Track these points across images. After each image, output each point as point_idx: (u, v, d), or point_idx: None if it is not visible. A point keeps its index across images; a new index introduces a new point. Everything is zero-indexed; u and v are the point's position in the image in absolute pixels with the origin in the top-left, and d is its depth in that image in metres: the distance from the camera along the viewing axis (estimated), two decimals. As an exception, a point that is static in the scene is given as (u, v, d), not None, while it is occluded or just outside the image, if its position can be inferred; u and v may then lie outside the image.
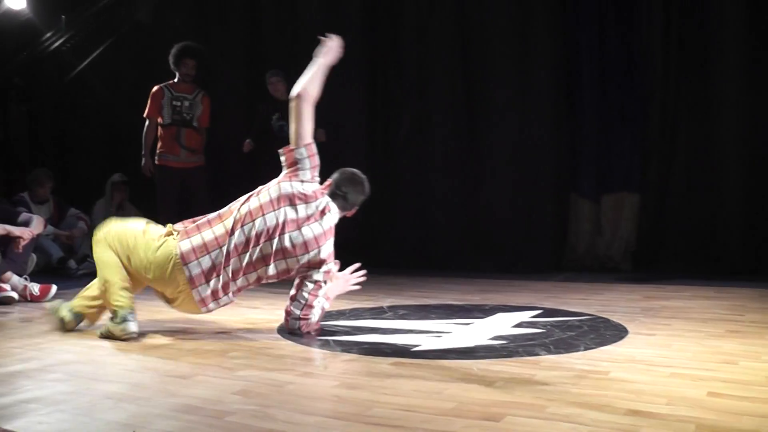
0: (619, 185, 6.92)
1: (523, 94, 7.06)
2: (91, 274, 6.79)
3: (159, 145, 7.10)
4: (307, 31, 7.90)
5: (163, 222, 7.20)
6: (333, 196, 3.99)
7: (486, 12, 7.18)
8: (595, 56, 6.98)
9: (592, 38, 6.99)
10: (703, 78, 6.48)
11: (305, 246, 3.78)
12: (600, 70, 6.95)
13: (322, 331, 3.96)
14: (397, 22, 7.57)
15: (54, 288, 5.37)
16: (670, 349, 3.45)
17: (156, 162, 7.08)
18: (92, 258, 7.05)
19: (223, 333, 3.98)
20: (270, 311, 4.76)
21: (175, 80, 7.15)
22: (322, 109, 7.53)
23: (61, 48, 8.28)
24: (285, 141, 7.23)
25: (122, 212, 8.08)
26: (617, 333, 3.83)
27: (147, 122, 7.13)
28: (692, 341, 3.63)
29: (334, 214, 3.96)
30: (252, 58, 8.38)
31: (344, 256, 7.40)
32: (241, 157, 7.50)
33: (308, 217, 3.82)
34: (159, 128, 7.09)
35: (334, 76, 7.59)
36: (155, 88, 7.10)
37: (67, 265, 7.06)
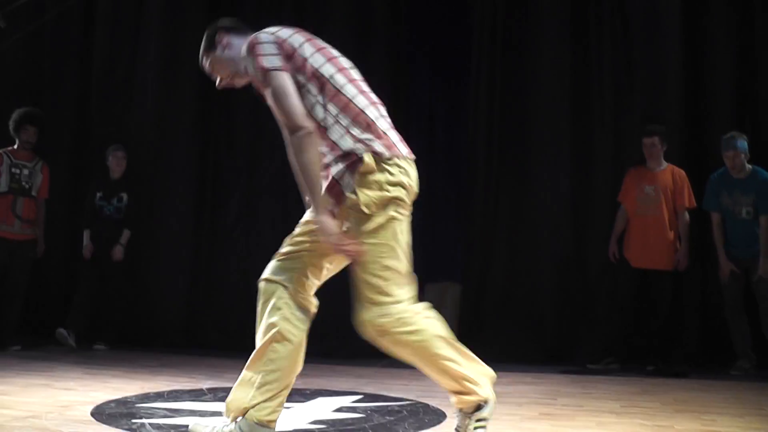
0: (442, 275, 7.13)
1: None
2: None
3: None
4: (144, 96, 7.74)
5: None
6: None
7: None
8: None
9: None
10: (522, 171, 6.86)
11: None
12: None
13: (139, 414, 3.81)
14: (230, 108, 7.55)
15: None
16: (485, 433, 3.53)
17: None
18: None
19: (33, 417, 3.71)
20: (84, 393, 4.49)
21: (15, 147, 6.88)
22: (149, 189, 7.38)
23: None
24: (105, 222, 7.03)
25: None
26: (436, 417, 3.90)
27: None
28: (508, 424, 3.75)
29: None
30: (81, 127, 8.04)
31: (171, 335, 7.22)
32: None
33: None
34: None
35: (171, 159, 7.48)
36: None
37: None
